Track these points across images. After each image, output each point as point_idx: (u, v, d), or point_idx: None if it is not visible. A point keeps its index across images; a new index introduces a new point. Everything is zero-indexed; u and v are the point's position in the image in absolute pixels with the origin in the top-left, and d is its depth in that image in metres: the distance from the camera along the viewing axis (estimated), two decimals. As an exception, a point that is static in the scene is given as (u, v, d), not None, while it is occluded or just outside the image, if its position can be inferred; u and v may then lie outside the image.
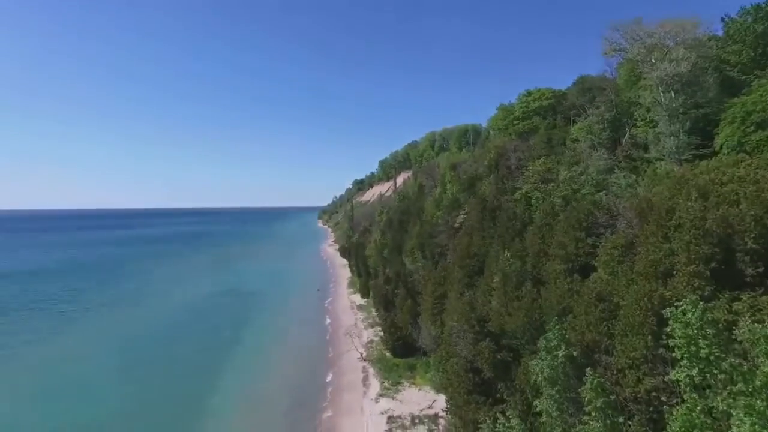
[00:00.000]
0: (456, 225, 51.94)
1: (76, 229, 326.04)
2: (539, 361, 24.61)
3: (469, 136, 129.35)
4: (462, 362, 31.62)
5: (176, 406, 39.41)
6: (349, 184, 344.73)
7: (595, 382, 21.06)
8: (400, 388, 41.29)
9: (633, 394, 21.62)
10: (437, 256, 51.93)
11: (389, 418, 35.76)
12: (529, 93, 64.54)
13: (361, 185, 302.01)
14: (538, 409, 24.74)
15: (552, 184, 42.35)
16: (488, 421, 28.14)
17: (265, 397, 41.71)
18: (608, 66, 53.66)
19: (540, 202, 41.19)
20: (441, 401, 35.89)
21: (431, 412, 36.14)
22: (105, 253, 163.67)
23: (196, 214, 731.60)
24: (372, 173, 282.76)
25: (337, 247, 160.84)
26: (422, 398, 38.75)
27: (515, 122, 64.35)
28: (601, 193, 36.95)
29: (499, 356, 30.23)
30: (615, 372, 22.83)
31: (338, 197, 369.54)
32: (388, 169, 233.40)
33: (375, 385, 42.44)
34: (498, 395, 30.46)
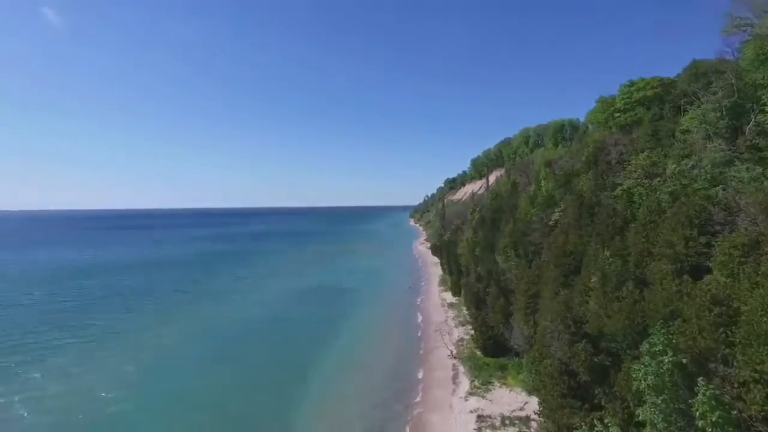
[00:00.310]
0: (551, 223, 49.78)
1: (159, 227, 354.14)
2: (642, 366, 22.96)
3: (565, 132, 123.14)
4: (556, 364, 30.36)
5: (275, 391, 41.99)
6: (440, 183, 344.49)
7: (708, 393, 19.22)
8: (490, 387, 40.46)
9: (761, 413, 19.30)
10: (531, 255, 50.10)
11: (479, 417, 35.23)
12: (632, 83, 59.89)
13: (452, 184, 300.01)
14: (640, 419, 23.09)
15: (658, 179, 38.98)
16: (584, 427, 26.85)
17: (357, 388, 43.10)
18: (728, 46, 47.63)
19: (644, 198, 38.14)
20: (533, 403, 34.73)
21: (522, 414, 35.01)
22: (209, 249, 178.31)
23: (290, 214, 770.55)
24: (464, 172, 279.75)
25: (428, 245, 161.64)
26: (513, 399, 37.67)
27: (616, 114, 60.15)
28: (717, 188, 33.36)
29: (596, 359, 28.58)
30: (736, 385, 20.58)
31: (429, 196, 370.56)
32: (480, 167, 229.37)
33: (465, 384, 42.03)
34: (595, 401, 28.89)
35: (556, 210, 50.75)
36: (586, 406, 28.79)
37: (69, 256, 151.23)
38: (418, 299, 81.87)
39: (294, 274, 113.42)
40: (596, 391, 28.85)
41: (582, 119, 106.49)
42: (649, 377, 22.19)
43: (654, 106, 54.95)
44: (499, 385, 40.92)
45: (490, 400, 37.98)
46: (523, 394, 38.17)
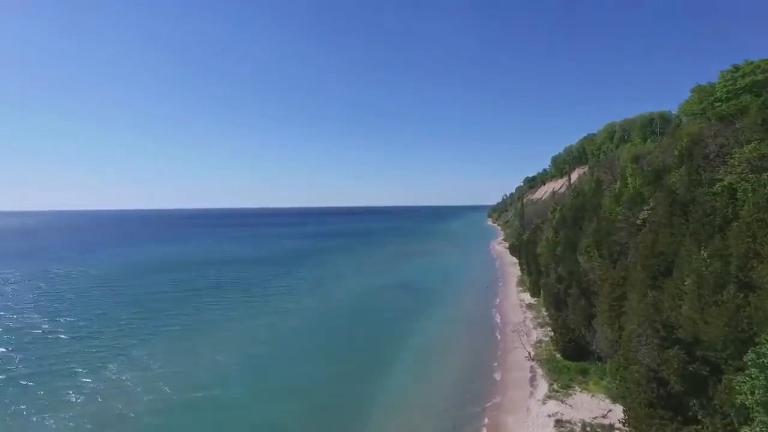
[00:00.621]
0: (638, 221, 46.70)
1: (217, 226, 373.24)
2: (748, 379, 20.95)
3: (654, 125, 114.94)
4: (644, 370, 28.49)
5: (351, 386, 42.90)
6: (519, 182, 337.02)
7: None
8: (570, 392, 38.62)
9: None
10: (616, 255, 47.31)
11: (557, 421, 33.79)
12: (737, 68, 54.40)
13: (532, 182, 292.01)
14: (747, 438, 21.07)
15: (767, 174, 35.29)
16: (676, 440, 25.00)
17: (433, 387, 43.00)
18: None
19: (749, 194, 34.65)
20: (617, 412, 32.82)
21: (606, 422, 33.12)
22: (285, 247, 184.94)
23: (369, 213, 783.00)
24: (544, 170, 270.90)
25: (506, 245, 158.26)
26: (595, 406, 35.71)
27: (716, 104, 55.03)
28: None
29: (691, 368, 26.46)
30: None
31: (508, 195, 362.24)
32: (561, 165, 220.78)
33: (543, 386, 40.50)
34: (690, 413, 26.76)
35: (644, 208, 47.53)
36: (679, 418, 26.75)
37: (154, 252, 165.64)
38: (496, 299, 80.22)
39: (372, 272, 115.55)
40: (691, 403, 26.74)
41: (674, 111, 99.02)
42: (757, 392, 20.23)
43: (765, 92, 49.71)
44: (579, 390, 38.98)
45: (570, 405, 36.30)
46: (607, 401, 36.14)
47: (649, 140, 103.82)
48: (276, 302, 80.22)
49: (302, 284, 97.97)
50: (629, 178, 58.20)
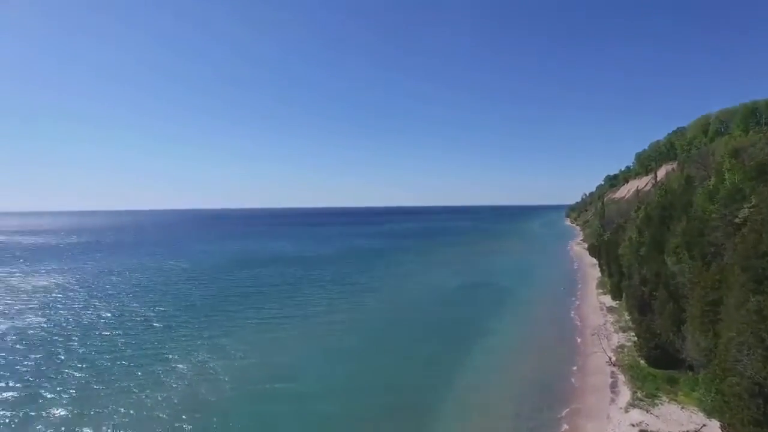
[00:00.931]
0: (737, 220, 42.68)
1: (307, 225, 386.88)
2: None
3: (759, 116, 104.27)
4: (746, 384, 26.00)
5: (423, 383, 42.92)
6: (600, 180, 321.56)
7: None
8: (656, 401, 36.03)
9: None
10: (710, 256, 43.58)
11: (641, 432, 31.82)
12: None
13: (614, 181, 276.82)
14: None
15: None
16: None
17: (509, 389, 42.03)
18: None
19: None
20: (713, 428, 30.28)
21: (699, 436, 30.72)
22: (358, 245, 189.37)
23: (443, 212, 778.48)
24: (627, 167, 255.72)
25: (585, 245, 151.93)
26: (686, 419, 33.07)
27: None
28: None
29: (803, 383, 23.81)
30: None
31: (587, 194, 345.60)
32: (646, 162, 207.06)
33: (625, 394, 38.19)
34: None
35: (745, 206, 43.35)
36: (790, 439, 24.18)
37: (227, 249, 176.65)
38: (575, 301, 77.06)
39: (447, 270, 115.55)
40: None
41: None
42: None
43: None
44: (667, 400, 36.27)
45: (657, 416, 33.92)
46: (700, 414, 33.31)
47: (751, 132, 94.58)
48: (352, 299, 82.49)
49: (377, 282, 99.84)
50: (727, 174, 53.40)
